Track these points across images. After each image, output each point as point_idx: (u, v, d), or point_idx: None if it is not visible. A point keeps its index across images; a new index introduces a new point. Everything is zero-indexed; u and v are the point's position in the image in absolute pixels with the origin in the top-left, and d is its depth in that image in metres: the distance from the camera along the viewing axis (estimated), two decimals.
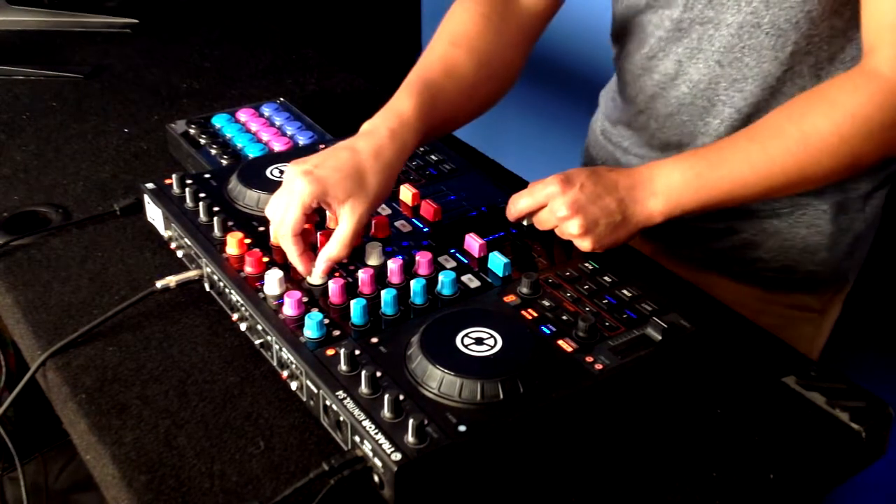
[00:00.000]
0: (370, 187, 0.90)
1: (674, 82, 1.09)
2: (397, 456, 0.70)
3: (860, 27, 0.95)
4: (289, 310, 0.84)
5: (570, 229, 0.93)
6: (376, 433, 0.72)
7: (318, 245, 0.93)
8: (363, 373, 0.76)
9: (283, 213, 0.88)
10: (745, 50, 1.01)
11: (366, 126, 0.95)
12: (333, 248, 0.89)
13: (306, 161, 0.90)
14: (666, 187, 0.94)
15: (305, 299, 0.86)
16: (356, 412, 0.74)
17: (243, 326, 0.88)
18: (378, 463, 0.71)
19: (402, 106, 0.95)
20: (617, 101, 1.22)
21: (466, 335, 0.80)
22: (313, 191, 0.87)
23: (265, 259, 0.91)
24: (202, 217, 0.97)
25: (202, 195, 1.01)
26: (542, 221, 0.96)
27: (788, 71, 1.01)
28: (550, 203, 0.94)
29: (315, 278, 0.89)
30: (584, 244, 0.93)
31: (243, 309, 0.88)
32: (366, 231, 0.96)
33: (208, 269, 0.93)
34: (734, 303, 1.01)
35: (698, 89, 1.06)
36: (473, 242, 0.94)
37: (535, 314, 0.85)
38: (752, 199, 0.98)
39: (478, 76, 1.03)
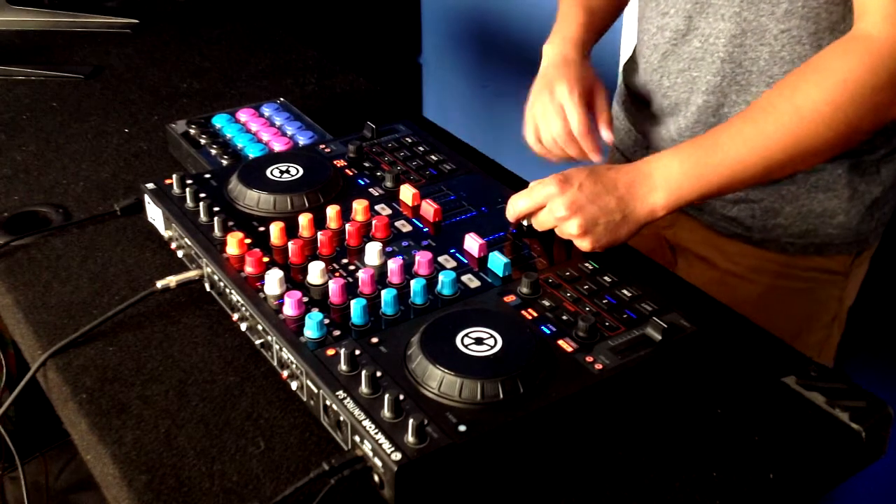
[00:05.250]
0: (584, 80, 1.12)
1: (685, 38, 1.11)
2: (397, 456, 0.70)
3: None
4: (289, 310, 0.84)
5: (570, 229, 0.93)
6: (376, 433, 0.72)
7: (319, 245, 0.93)
8: (363, 373, 0.76)
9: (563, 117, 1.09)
10: (743, 4, 1.04)
11: (550, 52, 1.16)
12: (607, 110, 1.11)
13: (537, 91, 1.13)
14: (665, 180, 0.94)
15: (305, 299, 0.86)
16: (356, 412, 0.74)
17: (243, 326, 0.88)
18: (378, 463, 0.71)
19: (570, 31, 1.17)
20: (635, 66, 1.24)
21: (466, 335, 0.80)
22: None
23: (265, 259, 0.91)
24: (202, 217, 0.97)
25: (202, 195, 1.01)
26: (541, 222, 0.96)
27: (786, 32, 1.02)
28: (549, 203, 0.94)
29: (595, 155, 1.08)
30: (584, 244, 0.94)
31: (243, 309, 0.88)
32: (366, 231, 0.96)
33: (208, 269, 0.93)
34: (757, 269, 1.01)
35: (707, 43, 1.09)
36: (473, 242, 0.94)
37: (535, 314, 0.85)
38: (755, 180, 0.97)
39: None
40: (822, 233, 1.13)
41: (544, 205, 0.95)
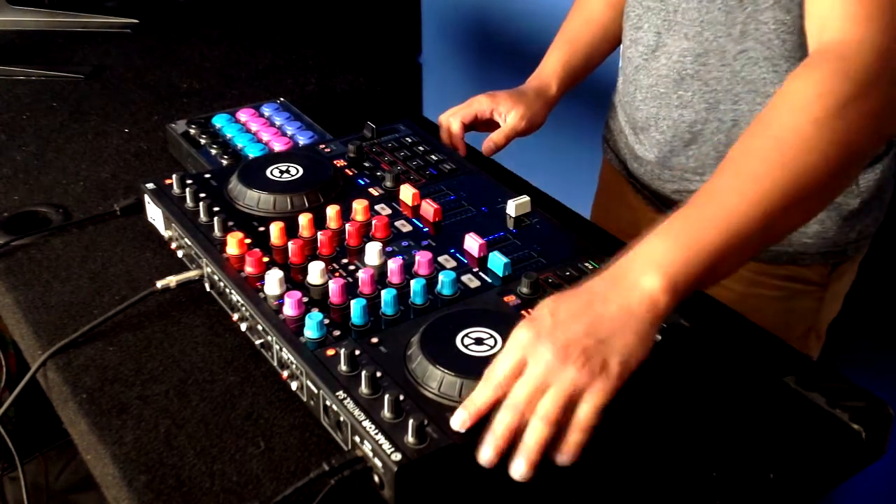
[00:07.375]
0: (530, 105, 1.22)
1: (654, 53, 1.13)
2: (397, 456, 0.70)
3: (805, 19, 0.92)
4: (289, 310, 0.84)
5: (569, 376, 0.72)
6: (376, 433, 0.72)
7: (319, 245, 0.93)
8: (363, 373, 0.76)
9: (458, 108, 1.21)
10: (703, 24, 1.05)
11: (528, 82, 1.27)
12: (498, 135, 1.20)
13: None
14: (650, 260, 0.77)
15: (305, 299, 0.86)
16: (356, 412, 0.74)
17: (243, 326, 0.88)
18: (378, 463, 0.71)
19: (545, 67, 1.27)
20: (619, 74, 1.26)
21: (466, 335, 0.80)
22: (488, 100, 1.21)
23: (265, 259, 0.91)
24: (202, 217, 0.97)
25: (202, 195, 1.01)
26: (526, 400, 0.72)
27: (743, 53, 1.04)
28: (529, 358, 0.73)
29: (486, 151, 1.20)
30: (600, 394, 0.73)
31: (243, 309, 0.88)
32: (366, 231, 0.96)
33: (208, 269, 0.93)
34: (731, 276, 1.00)
35: (672, 61, 1.10)
36: (473, 242, 0.94)
37: None
38: (756, 229, 0.79)
39: (609, 17, 1.27)
40: (796, 241, 1.13)
41: (520, 371, 0.73)
